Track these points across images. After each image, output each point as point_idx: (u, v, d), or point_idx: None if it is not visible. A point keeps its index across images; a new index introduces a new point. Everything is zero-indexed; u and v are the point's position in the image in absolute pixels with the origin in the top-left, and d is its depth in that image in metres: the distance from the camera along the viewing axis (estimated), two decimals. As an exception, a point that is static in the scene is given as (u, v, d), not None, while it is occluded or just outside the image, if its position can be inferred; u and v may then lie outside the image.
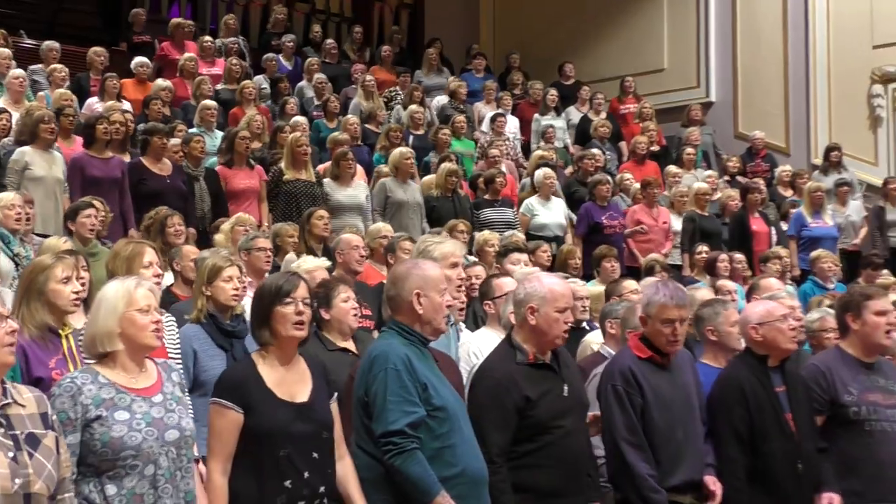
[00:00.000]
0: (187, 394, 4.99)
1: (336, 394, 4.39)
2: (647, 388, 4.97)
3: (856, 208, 13.24)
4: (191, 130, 11.21)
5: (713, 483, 5.05)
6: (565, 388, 4.76)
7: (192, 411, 4.79)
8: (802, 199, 12.76)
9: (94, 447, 3.74)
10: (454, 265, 5.31)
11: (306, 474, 4.07)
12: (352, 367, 4.98)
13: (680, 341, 5.14)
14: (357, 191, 10.39)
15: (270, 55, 14.84)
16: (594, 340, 6.72)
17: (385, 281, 7.21)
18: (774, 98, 16.64)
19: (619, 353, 5.35)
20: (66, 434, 3.70)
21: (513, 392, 4.59)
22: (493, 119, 13.89)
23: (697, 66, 17.49)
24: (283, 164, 10.28)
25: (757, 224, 11.98)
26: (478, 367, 4.95)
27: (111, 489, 3.74)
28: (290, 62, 15.22)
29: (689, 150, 13.99)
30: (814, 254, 10.90)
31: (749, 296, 8.03)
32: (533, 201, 11.59)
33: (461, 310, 5.97)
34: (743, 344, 5.62)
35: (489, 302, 6.11)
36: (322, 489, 4.12)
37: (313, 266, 6.69)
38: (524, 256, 8.30)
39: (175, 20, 14.78)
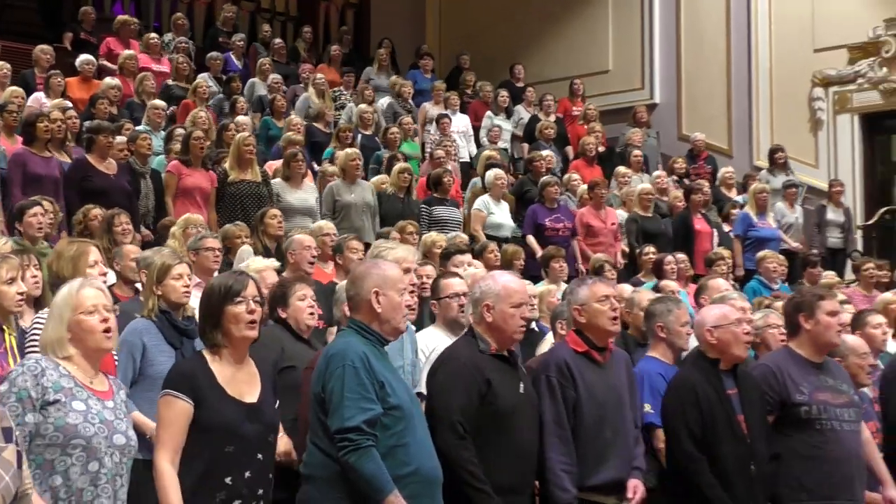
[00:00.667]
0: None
1: (278, 401, 4.39)
2: (581, 383, 5.00)
3: (798, 210, 13.41)
4: (138, 129, 11.11)
5: (633, 486, 5.07)
6: (521, 385, 4.81)
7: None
8: (748, 199, 12.89)
9: (45, 431, 3.75)
10: (407, 270, 5.31)
11: (248, 474, 4.06)
12: (310, 360, 5.01)
13: (618, 319, 5.19)
14: (307, 194, 10.37)
15: (215, 53, 14.75)
16: (549, 341, 6.76)
17: (333, 280, 7.28)
18: (717, 100, 16.83)
19: (556, 346, 5.43)
20: (25, 412, 3.72)
21: (476, 375, 4.64)
22: (437, 120, 13.90)
23: (642, 67, 17.64)
24: (227, 165, 10.19)
25: (700, 224, 12.08)
26: (439, 355, 4.96)
27: (56, 480, 3.74)
28: (241, 61, 15.15)
29: (637, 151, 14.08)
30: (760, 254, 11.02)
31: (697, 297, 8.09)
32: (487, 199, 11.60)
33: (412, 310, 5.96)
34: (692, 344, 5.67)
35: (435, 301, 6.12)
36: (261, 492, 4.12)
37: (262, 266, 6.68)
38: (467, 258, 8.30)
39: (121, 18, 14.68)
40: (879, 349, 6.77)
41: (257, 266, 6.69)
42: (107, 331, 3.95)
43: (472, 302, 4.91)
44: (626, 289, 7.76)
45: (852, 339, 6.15)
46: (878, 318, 6.96)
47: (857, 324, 6.85)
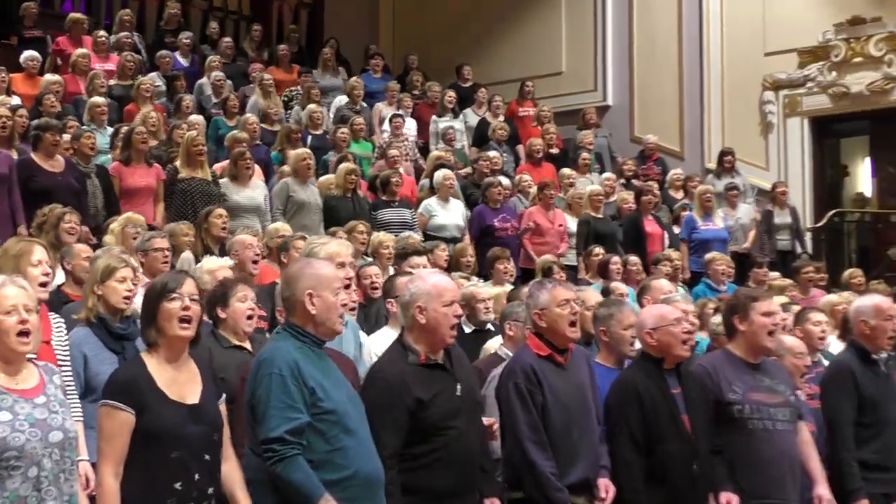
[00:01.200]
0: (74, 395, 4.92)
1: (224, 395, 4.36)
2: (547, 387, 5.02)
3: (746, 212, 13.49)
4: (83, 127, 11.01)
5: (605, 487, 5.10)
6: (458, 387, 4.76)
7: (78, 414, 4.72)
8: (693, 202, 12.98)
9: None
10: (341, 265, 5.25)
11: (197, 476, 4.03)
12: (245, 367, 4.96)
13: (577, 323, 5.22)
14: (255, 192, 10.27)
15: (165, 52, 14.61)
16: (494, 343, 6.77)
17: (276, 281, 7.24)
18: (669, 103, 16.93)
19: (519, 351, 5.39)
20: None
21: (404, 394, 4.58)
22: (390, 120, 13.87)
23: (595, 69, 17.71)
24: (178, 163, 10.13)
25: (650, 226, 12.13)
26: (369, 369, 4.94)
27: None
28: (188, 59, 15.02)
29: (584, 154, 14.10)
30: (708, 256, 11.08)
31: (640, 297, 8.14)
32: (432, 202, 11.59)
33: (352, 309, 5.95)
34: (636, 347, 5.69)
35: (391, 300, 6.11)
36: (211, 490, 4.10)
37: (216, 266, 6.65)
38: (423, 259, 8.31)
39: (73, 15, 14.53)
40: (816, 347, 6.85)
41: (211, 266, 6.66)
42: (23, 333, 3.82)
43: (402, 306, 4.85)
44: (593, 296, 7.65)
45: (790, 340, 6.23)
46: (820, 316, 7.05)
47: (799, 320, 6.93)
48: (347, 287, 5.15)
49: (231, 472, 4.23)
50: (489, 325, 7.40)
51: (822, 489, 5.64)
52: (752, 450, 5.37)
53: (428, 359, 4.73)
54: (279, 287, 5.55)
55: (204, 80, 14.30)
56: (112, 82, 13.12)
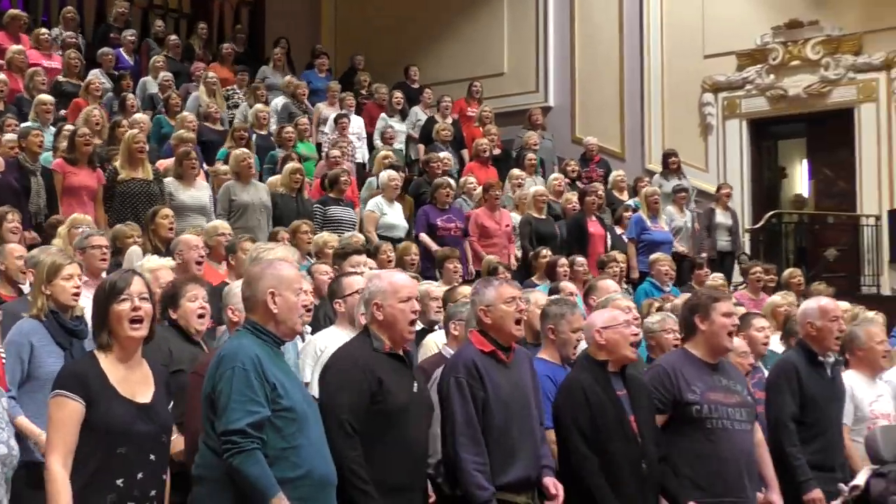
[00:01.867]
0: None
1: (172, 402, 4.35)
2: (489, 383, 5.02)
3: (688, 214, 13.60)
4: (26, 125, 10.87)
5: (553, 485, 5.12)
6: (415, 384, 4.82)
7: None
8: (640, 203, 13.07)
9: None
10: None
11: (140, 475, 4.01)
12: (197, 363, 4.95)
13: (522, 321, 5.25)
14: (200, 192, 10.18)
15: (107, 49, 14.45)
16: (437, 341, 6.77)
17: (225, 280, 7.21)
18: (610, 104, 17.08)
19: (462, 347, 5.39)
20: None
21: (367, 374, 4.63)
22: (336, 120, 13.85)
23: (536, 70, 17.82)
24: (118, 163, 10.01)
25: (593, 227, 12.18)
26: (332, 353, 4.95)
27: None
28: (132, 57, 14.89)
29: (531, 154, 14.16)
30: (653, 257, 11.14)
31: (586, 298, 8.18)
32: (380, 201, 11.58)
33: (308, 310, 5.94)
34: (580, 348, 5.73)
35: (339, 300, 6.11)
36: (153, 493, 4.07)
37: (157, 265, 6.59)
38: (363, 258, 8.30)
39: (11, 12, 14.32)
40: (760, 353, 6.93)
41: (152, 265, 6.61)
42: None
43: (363, 303, 4.93)
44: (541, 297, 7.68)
45: (734, 340, 6.28)
46: (762, 322, 7.12)
47: (743, 325, 7.01)
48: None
49: None
50: (437, 326, 7.41)
51: (774, 495, 5.74)
52: (711, 449, 5.41)
53: (391, 349, 4.79)
54: (230, 287, 5.57)
55: (148, 78, 14.17)
56: (60, 78, 12.99)
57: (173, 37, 16.01)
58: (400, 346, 4.84)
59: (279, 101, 14.58)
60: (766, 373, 6.62)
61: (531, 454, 5.12)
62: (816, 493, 5.85)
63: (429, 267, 10.38)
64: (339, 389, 4.57)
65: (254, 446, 4.06)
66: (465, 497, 4.89)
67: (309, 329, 6.46)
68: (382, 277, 4.96)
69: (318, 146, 13.88)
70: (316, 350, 5.95)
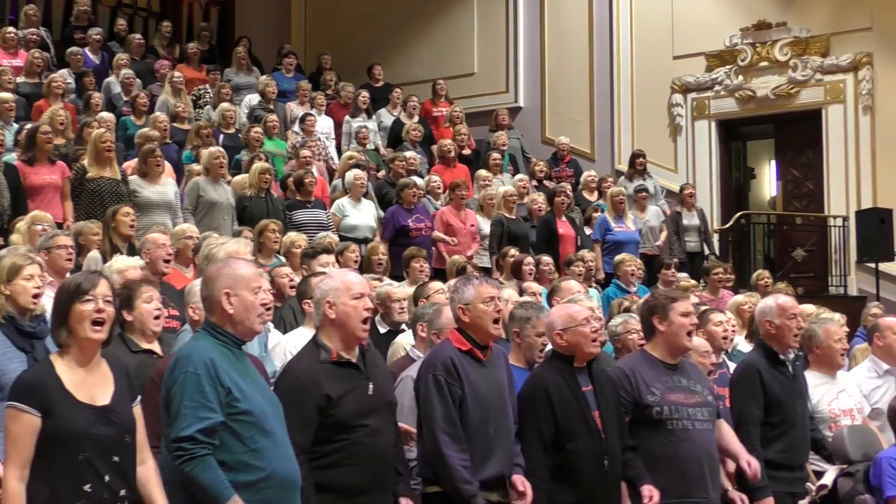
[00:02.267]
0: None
1: (139, 397, 4.29)
2: (466, 381, 5.03)
3: (655, 214, 13.59)
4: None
5: (521, 483, 5.12)
6: (370, 386, 4.76)
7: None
8: (605, 203, 13.10)
9: None
10: None
11: (107, 478, 3.97)
12: (154, 370, 4.90)
13: (500, 322, 5.25)
14: (166, 188, 10.12)
15: (75, 49, 14.36)
16: (405, 342, 6.77)
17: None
18: (580, 105, 17.12)
19: (440, 344, 5.37)
20: None
21: (314, 391, 4.59)
22: (302, 119, 13.80)
23: (507, 71, 17.83)
24: (86, 162, 9.95)
25: (563, 227, 12.20)
26: (282, 369, 4.93)
27: None
28: (97, 56, 14.78)
29: (496, 154, 14.15)
30: (618, 258, 11.16)
31: (550, 298, 8.19)
32: (344, 202, 11.55)
33: (268, 309, 5.90)
34: (545, 351, 5.73)
35: (307, 301, 6.09)
36: (123, 493, 4.03)
37: (125, 265, 6.55)
38: (331, 258, 8.29)
39: (-24, 11, 14.25)
40: (720, 347, 6.94)
41: (120, 266, 6.57)
42: None
43: (314, 304, 4.87)
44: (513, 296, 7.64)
45: (695, 340, 6.29)
46: (721, 317, 7.10)
47: (702, 321, 7.03)
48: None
49: (147, 474, 4.18)
50: (404, 326, 7.40)
51: (746, 458, 5.71)
52: (673, 450, 5.43)
53: (340, 357, 4.73)
54: (191, 286, 5.52)
55: (112, 77, 14.07)
56: (20, 79, 12.89)
57: (137, 36, 15.90)
58: (353, 347, 4.79)
59: (253, 98, 14.50)
60: (732, 368, 6.65)
61: (506, 452, 5.14)
62: (768, 502, 5.84)
63: (396, 266, 10.37)
64: (287, 410, 4.45)
65: (204, 452, 4.03)
66: (452, 493, 4.89)
67: (271, 326, 6.43)
68: (334, 276, 4.92)
69: (294, 147, 13.81)
70: (286, 352, 5.93)
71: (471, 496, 4.89)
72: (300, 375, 4.65)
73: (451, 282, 7.99)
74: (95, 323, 4.09)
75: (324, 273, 6.69)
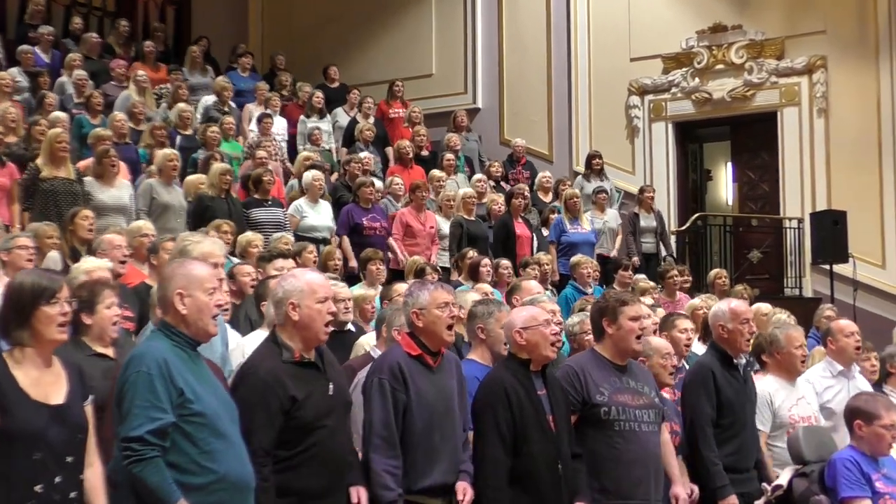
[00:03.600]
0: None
1: (91, 396, 4.26)
2: (412, 387, 5.02)
3: (613, 215, 13.67)
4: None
5: (463, 489, 5.11)
6: (331, 387, 4.75)
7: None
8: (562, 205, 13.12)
9: None
10: (215, 265, 5.20)
11: (58, 479, 3.94)
12: (111, 373, 4.85)
13: (455, 325, 5.24)
14: (121, 191, 10.04)
15: (27, 47, 14.17)
16: (367, 342, 6.75)
17: (145, 281, 7.13)
18: (538, 106, 17.16)
19: (390, 348, 5.38)
20: None
21: (279, 392, 4.55)
22: (259, 120, 13.74)
23: (465, 72, 17.85)
24: (39, 161, 9.85)
25: (520, 229, 12.24)
26: (240, 366, 4.88)
27: None
28: (48, 55, 14.59)
29: (450, 155, 14.16)
30: (574, 259, 11.20)
31: (509, 298, 8.20)
32: (302, 203, 11.51)
33: (226, 310, 5.87)
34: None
35: (265, 303, 6.05)
36: (73, 494, 4.01)
37: (93, 266, 6.49)
38: (289, 262, 8.25)
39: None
40: (682, 353, 6.98)
41: (88, 266, 6.51)
42: None
43: (275, 303, 4.80)
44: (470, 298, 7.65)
45: (657, 341, 6.33)
46: (686, 324, 7.18)
47: (665, 326, 7.06)
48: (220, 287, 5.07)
49: (93, 478, 4.14)
50: (349, 326, 7.39)
51: (678, 488, 5.78)
52: (617, 451, 5.44)
53: (302, 357, 4.70)
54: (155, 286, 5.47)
55: (64, 77, 13.91)
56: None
57: (93, 34, 15.70)
58: (312, 348, 4.76)
59: (209, 99, 14.41)
60: (687, 371, 6.69)
61: (452, 460, 5.13)
62: (732, 500, 5.91)
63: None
64: (251, 413, 4.45)
65: (153, 454, 3.99)
66: (375, 498, 4.88)
67: (228, 326, 6.39)
68: (298, 277, 4.86)
69: (251, 147, 13.73)
70: (243, 355, 5.87)
71: (389, 502, 4.88)
72: (264, 376, 4.59)
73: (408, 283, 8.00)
74: (61, 325, 4.08)
75: (280, 275, 6.64)
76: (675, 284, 11.08)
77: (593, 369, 5.57)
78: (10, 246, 7.02)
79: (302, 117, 14.85)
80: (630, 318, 5.60)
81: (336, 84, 16.46)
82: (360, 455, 5.04)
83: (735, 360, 6.28)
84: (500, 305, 5.98)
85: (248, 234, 9.31)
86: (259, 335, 5.99)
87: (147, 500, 3.99)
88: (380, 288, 8.86)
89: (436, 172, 13.42)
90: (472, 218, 12.22)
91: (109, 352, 5.45)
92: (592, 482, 5.40)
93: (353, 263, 10.87)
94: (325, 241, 11.08)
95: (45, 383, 4.05)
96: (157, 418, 4.02)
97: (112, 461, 4.21)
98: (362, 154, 13.43)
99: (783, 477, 6.07)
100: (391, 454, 4.94)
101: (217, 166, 10.90)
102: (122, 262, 7.51)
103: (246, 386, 4.62)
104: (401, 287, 7.78)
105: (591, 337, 6.54)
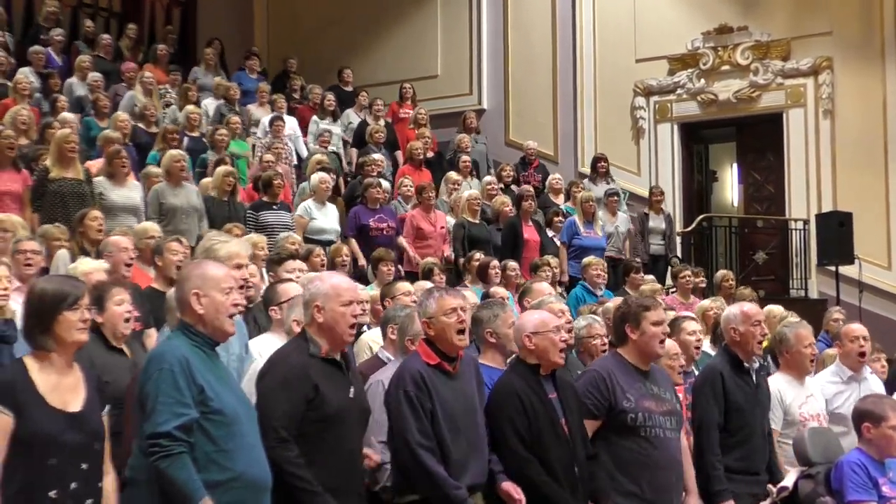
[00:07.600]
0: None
1: (108, 406, 4.28)
2: (436, 397, 5.03)
3: (623, 219, 13.58)
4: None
5: (515, 490, 5.12)
6: (352, 389, 4.81)
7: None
8: (574, 207, 13.09)
9: None
10: (238, 266, 5.26)
11: (73, 485, 3.96)
12: (132, 371, 4.89)
13: (467, 330, 5.25)
14: (132, 192, 10.06)
15: (39, 48, 14.21)
16: (372, 339, 6.75)
17: (152, 285, 7.14)
18: (544, 107, 17.16)
19: (409, 358, 5.36)
20: None
21: (304, 381, 4.61)
22: (271, 122, 13.75)
23: (470, 73, 17.86)
24: (48, 162, 9.85)
25: (529, 232, 12.20)
26: (268, 358, 4.91)
27: None
28: (60, 57, 14.65)
29: (465, 157, 14.17)
30: (585, 261, 11.14)
31: (521, 300, 8.20)
32: (310, 204, 11.52)
33: (241, 311, 5.90)
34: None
35: (274, 308, 6.07)
36: (89, 502, 4.02)
37: (90, 268, 6.51)
38: (299, 264, 8.26)
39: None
40: (692, 357, 7.00)
41: (85, 268, 6.52)
42: None
43: (303, 305, 4.90)
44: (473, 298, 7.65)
45: (665, 343, 6.33)
46: (693, 326, 7.19)
47: (673, 329, 7.06)
48: (242, 288, 5.10)
49: (107, 486, 4.17)
50: (365, 328, 7.38)
51: (693, 500, 5.78)
52: (645, 456, 5.45)
53: (328, 354, 4.76)
54: (173, 292, 5.50)
55: (74, 79, 13.95)
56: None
57: (105, 36, 15.75)
58: (338, 350, 4.82)
59: (210, 103, 14.45)
60: (699, 375, 6.69)
61: (478, 464, 5.14)
62: None
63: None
64: (275, 397, 4.54)
65: (181, 450, 4.03)
66: (443, 501, 4.90)
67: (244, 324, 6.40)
68: (324, 280, 4.93)
69: (253, 147, 13.78)
70: (256, 355, 5.89)
71: (463, 499, 4.91)
72: (294, 364, 4.67)
73: (417, 285, 8.02)
74: (81, 329, 4.11)
75: (290, 279, 6.67)
76: (688, 286, 11.06)
77: (619, 374, 5.57)
78: (16, 249, 7.03)
79: (314, 118, 14.88)
80: (653, 323, 5.61)
81: (350, 87, 16.50)
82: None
83: (746, 364, 6.27)
84: (503, 305, 5.98)
85: (254, 236, 9.32)
86: (267, 339, 6.00)
87: (173, 496, 4.01)
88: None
89: (452, 174, 13.45)
90: (476, 220, 12.21)
91: (124, 348, 5.50)
92: (618, 487, 5.40)
93: (363, 262, 10.89)
94: (333, 244, 11.07)
95: (63, 389, 4.07)
96: (183, 414, 4.06)
97: (130, 459, 4.25)
98: (376, 156, 13.42)
99: (789, 478, 6.08)
100: (439, 460, 4.96)
101: (221, 169, 10.94)
102: (128, 265, 7.47)
103: (273, 374, 4.68)
104: (402, 286, 7.79)
105: (597, 342, 6.59)
